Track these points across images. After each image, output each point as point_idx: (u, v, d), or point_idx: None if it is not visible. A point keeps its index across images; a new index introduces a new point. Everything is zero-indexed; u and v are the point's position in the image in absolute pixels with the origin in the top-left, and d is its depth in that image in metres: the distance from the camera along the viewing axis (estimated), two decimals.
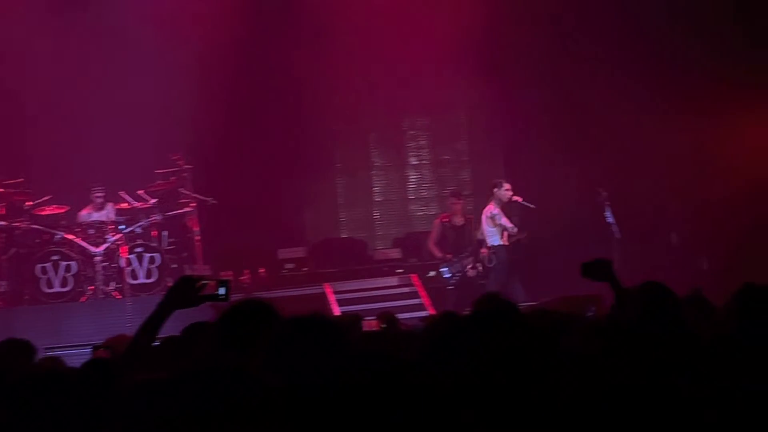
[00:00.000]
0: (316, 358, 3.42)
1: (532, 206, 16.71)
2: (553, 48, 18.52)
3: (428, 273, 17.57)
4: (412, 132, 20.68)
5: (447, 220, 17.68)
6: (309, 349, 3.46)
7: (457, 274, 17.20)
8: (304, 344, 3.49)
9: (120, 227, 16.54)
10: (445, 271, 17.29)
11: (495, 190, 16.77)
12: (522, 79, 18.81)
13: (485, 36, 18.22)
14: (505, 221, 16.70)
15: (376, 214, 20.58)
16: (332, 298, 16.77)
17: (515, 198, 16.71)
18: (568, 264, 15.75)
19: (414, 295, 17.21)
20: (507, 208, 16.94)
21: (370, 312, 14.69)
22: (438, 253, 17.47)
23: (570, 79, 18.33)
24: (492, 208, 16.70)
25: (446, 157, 20.65)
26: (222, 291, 4.98)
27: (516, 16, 18.61)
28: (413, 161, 20.70)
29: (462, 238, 17.43)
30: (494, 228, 16.68)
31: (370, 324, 8.00)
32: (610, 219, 16.29)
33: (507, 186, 16.79)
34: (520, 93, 18.87)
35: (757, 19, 17.88)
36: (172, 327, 5.10)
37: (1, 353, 6.17)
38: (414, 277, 17.69)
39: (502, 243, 16.68)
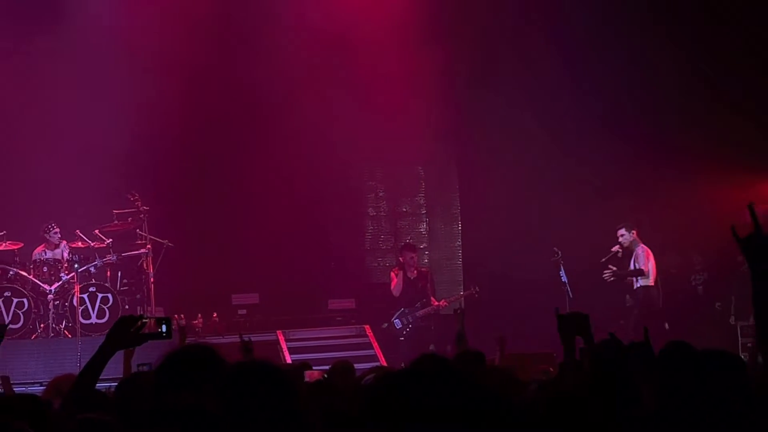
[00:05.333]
0: (264, 406, 3.42)
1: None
2: (516, 104, 18.63)
3: (382, 324, 17.56)
4: (371, 183, 20.71)
5: (401, 272, 17.68)
6: (256, 397, 3.46)
7: (409, 326, 17.24)
8: (251, 391, 3.48)
9: (74, 266, 16.44)
10: (396, 323, 17.33)
11: None
12: (482, 133, 18.92)
13: (451, 87, 18.37)
14: None
15: (332, 264, 20.52)
16: (284, 346, 16.75)
17: None
18: (521, 318, 15.92)
19: (367, 345, 17.20)
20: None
21: (322, 361, 14.71)
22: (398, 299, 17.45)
23: (534, 136, 18.47)
24: None
25: (404, 209, 20.69)
26: (163, 328, 5.02)
27: (488, 66, 18.69)
28: (371, 212, 20.72)
29: (415, 291, 17.45)
30: None
31: (312, 375, 7.99)
32: (564, 278, 16.38)
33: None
34: (479, 148, 18.97)
35: None
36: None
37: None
38: (367, 328, 17.70)
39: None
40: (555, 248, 16.57)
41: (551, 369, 8.78)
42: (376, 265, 20.21)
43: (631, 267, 16.52)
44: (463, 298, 17.39)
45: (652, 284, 16.46)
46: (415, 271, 17.62)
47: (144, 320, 4.88)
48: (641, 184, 18.39)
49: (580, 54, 18.58)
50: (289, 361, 15.44)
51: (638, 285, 16.57)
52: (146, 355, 5.57)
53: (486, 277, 17.93)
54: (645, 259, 16.39)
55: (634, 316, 16.34)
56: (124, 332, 4.85)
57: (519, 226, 18.22)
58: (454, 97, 18.73)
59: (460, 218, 19.89)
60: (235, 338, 15.90)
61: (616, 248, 16.57)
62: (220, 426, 3.16)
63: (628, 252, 16.56)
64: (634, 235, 16.53)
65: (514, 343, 12.06)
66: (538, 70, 18.53)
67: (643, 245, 16.55)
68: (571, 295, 16.19)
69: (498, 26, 18.65)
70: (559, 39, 18.48)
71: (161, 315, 16.49)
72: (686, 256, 18.41)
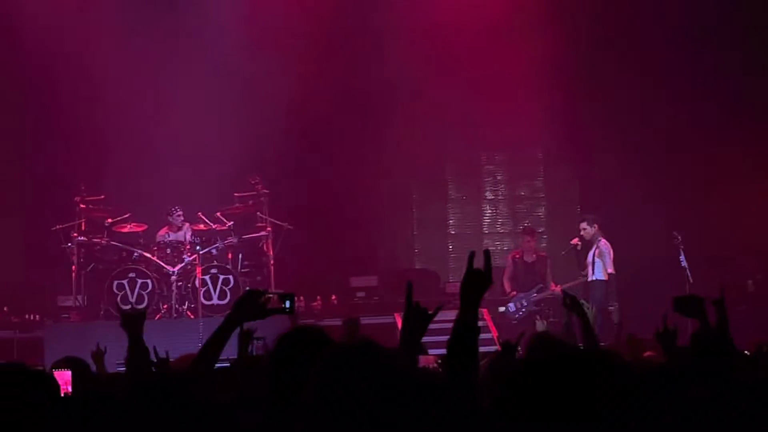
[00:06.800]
0: (365, 388, 3.42)
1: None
2: (637, 86, 18.46)
3: (499, 308, 17.54)
4: (489, 167, 20.69)
5: (519, 256, 17.68)
6: (357, 379, 3.43)
7: (522, 310, 17.22)
8: (352, 374, 3.47)
9: (196, 248, 16.72)
10: (510, 307, 17.32)
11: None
12: (603, 116, 18.79)
13: (565, 73, 18.27)
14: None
15: (450, 247, 20.58)
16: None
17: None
18: (640, 303, 15.77)
19: (484, 329, 17.19)
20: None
21: (439, 344, 14.75)
22: (508, 289, 17.51)
23: (655, 119, 18.32)
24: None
25: (522, 193, 20.63)
26: (287, 304, 5.12)
27: (600, 53, 18.61)
28: (489, 196, 20.71)
29: (533, 275, 17.42)
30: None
31: (427, 360, 7.90)
32: (684, 263, 16.19)
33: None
34: (600, 130, 18.82)
35: None
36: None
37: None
38: (485, 311, 17.68)
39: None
40: (675, 232, 16.40)
41: (655, 354, 8.67)
42: (493, 249, 20.15)
43: (589, 259, 16.58)
44: (581, 283, 17.27)
45: (605, 279, 16.46)
46: (534, 255, 17.58)
47: (268, 295, 4.99)
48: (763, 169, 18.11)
49: (693, 37, 18.40)
50: None
51: (592, 278, 16.59)
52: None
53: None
54: (605, 254, 16.46)
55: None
56: (250, 305, 4.95)
57: (637, 209, 18.04)
58: (571, 82, 18.58)
59: (578, 202, 19.73)
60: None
61: (575, 241, 16.81)
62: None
63: (589, 245, 16.67)
64: (596, 228, 16.65)
65: (634, 327, 11.96)
66: (653, 51, 18.38)
67: (604, 239, 16.64)
68: (691, 280, 15.99)
69: (612, 8, 18.54)
70: (673, 23, 18.34)
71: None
72: None
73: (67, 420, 3.87)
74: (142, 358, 5.66)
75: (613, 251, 16.57)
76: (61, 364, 6.76)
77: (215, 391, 4.69)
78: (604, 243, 16.63)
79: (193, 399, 3.65)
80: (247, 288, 16.21)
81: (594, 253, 16.58)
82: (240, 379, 5.25)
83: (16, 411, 3.72)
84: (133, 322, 5.76)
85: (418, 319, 4.53)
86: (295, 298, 5.38)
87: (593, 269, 16.56)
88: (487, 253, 4.38)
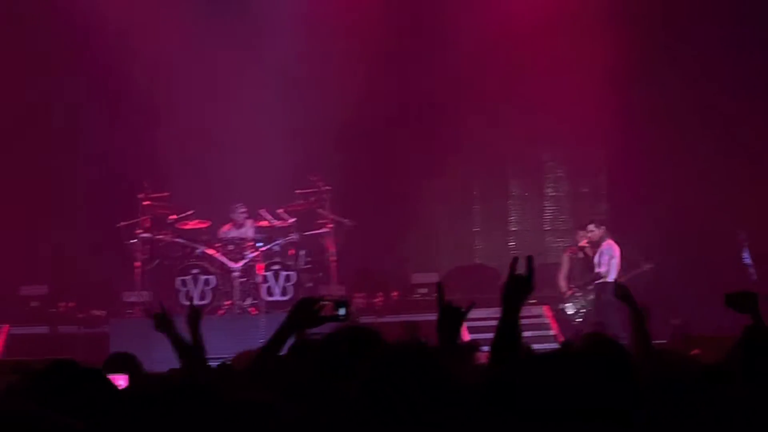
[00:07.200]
0: (412, 389, 3.42)
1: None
2: (697, 85, 18.33)
3: (560, 305, 17.49)
4: (550, 163, 20.61)
5: (574, 252, 17.60)
6: (405, 380, 3.41)
7: (582, 310, 17.15)
8: (399, 375, 3.44)
9: (258, 244, 16.83)
10: (569, 307, 17.27)
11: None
12: (662, 115, 18.67)
13: (626, 71, 18.19)
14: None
15: (512, 243, 20.51)
16: (463, 326, 16.80)
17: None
18: (697, 299, 15.68)
19: (546, 326, 17.15)
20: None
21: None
22: (564, 288, 17.43)
23: (714, 118, 18.17)
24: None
25: (584, 190, 20.51)
26: (342, 311, 5.12)
27: (660, 52, 18.51)
28: (550, 192, 20.63)
29: (591, 271, 17.34)
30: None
31: (484, 357, 7.89)
32: (748, 260, 16.05)
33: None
34: (659, 129, 18.70)
35: None
36: None
37: (107, 367, 6.37)
38: (546, 308, 17.64)
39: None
40: (739, 230, 16.27)
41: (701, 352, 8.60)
42: (555, 245, 20.08)
43: (595, 260, 16.65)
44: (643, 272, 17.19)
45: (611, 280, 16.33)
46: (591, 251, 17.47)
47: (323, 302, 5.00)
48: None
49: (753, 38, 18.32)
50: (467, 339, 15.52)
51: (599, 281, 16.62)
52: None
53: (666, 255, 17.65)
54: (608, 257, 16.52)
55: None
56: (304, 313, 4.98)
57: (700, 206, 17.90)
58: (632, 79, 18.48)
59: (639, 198, 19.58)
60: (415, 317, 16.17)
61: (584, 242, 16.85)
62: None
63: (597, 246, 16.72)
64: (603, 229, 16.81)
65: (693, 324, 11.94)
66: (712, 50, 18.26)
67: (610, 240, 16.70)
68: (755, 277, 15.85)
69: (673, 8, 18.46)
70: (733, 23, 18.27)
71: (342, 293, 16.85)
72: None
73: (119, 418, 3.89)
74: (198, 356, 5.68)
75: (619, 253, 16.63)
76: (113, 362, 6.84)
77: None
78: (608, 244, 16.71)
79: (235, 397, 3.68)
80: (303, 293, 16.36)
81: (598, 254, 16.63)
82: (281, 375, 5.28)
83: (68, 409, 3.75)
84: (194, 319, 5.81)
85: (451, 318, 4.55)
86: (351, 302, 5.39)
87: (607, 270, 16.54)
88: (530, 259, 4.39)
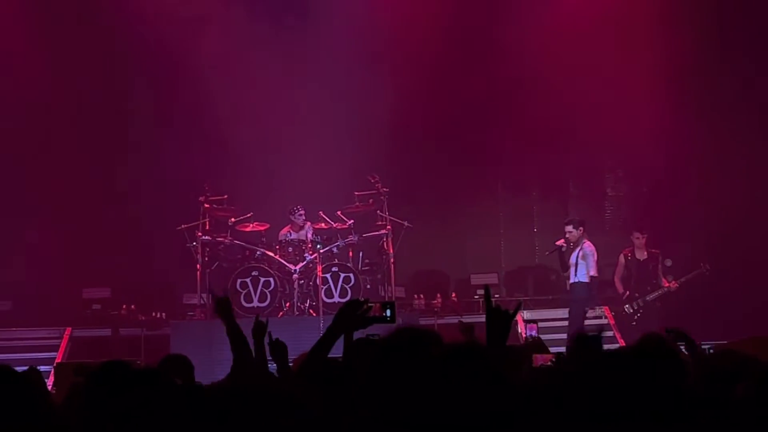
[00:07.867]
0: (465, 390, 3.41)
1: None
2: (753, 85, 18.17)
3: (624, 306, 17.38)
4: (610, 163, 20.47)
5: (630, 254, 17.46)
6: (458, 381, 3.43)
7: (639, 311, 17.04)
8: (453, 376, 3.46)
9: (317, 246, 16.88)
10: (627, 308, 17.17)
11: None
12: (720, 113, 18.51)
13: (685, 73, 18.08)
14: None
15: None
16: (522, 326, 16.77)
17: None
18: (756, 300, 15.56)
19: (606, 327, 17.05)
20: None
21: (560, 342, 14.69)
22: (620, 289, 17.34)
23: None
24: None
25: (644, 189, 20.35)
26: (388, 312, 5.14)
27: (721, 53, 18.35)
28: (610, 192, 20.49)
29: (645, 273, 17.22)
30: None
31: (545, 358, 7.88)
32: None
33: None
34: (718, 127, 18.53)
35: None
36: None
37: (162, 368, 6.42)
38: (606, 309, 17.56)
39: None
40: None
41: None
42: (614, 245, 19.93)
43: (572, 260, 16.59)
44: (692, 277, 17.07)
45: (587, 281, 16.45)
46: (645, 253, 17.36)
47: (369, 304, 5.02)
48: None
49: None
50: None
51: (574, 280, 16.58)
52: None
53: (720, 256, 17.50)
54: (588, 256, 16.51)
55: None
56: (350, 315, 5.01)
57: (757, 206, 17.75)
58: (694, 80, 18.33)
59: (696, 199, 19.41)
60: (474, 318, 16.17)
61: (561, 242, 16.78)
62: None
63: (575, 247, 16.63)
64: (581, 231, 16.70)
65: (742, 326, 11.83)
66: None
67: (588, 241, 16.66)
68: None
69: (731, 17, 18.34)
70: None
71: (402, 295, 16.88)
72: None
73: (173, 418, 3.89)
74: (260, 366, 5.70)
75: (597, 254, 16.68)
76: (167, 364, 6.90)
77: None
78: (588, 245, 16.66)
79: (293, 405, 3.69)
80: (361, 295, 16.39)
81: (578, 254, 16.61)
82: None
83: (121, 409, 3.77)
84: (260, 332, 5.81)
85: (499, 320, 4.55)
86: (396, 305, 5.39)
87: (576, 271, 16.53)
88: (487, 289, 4.42)
